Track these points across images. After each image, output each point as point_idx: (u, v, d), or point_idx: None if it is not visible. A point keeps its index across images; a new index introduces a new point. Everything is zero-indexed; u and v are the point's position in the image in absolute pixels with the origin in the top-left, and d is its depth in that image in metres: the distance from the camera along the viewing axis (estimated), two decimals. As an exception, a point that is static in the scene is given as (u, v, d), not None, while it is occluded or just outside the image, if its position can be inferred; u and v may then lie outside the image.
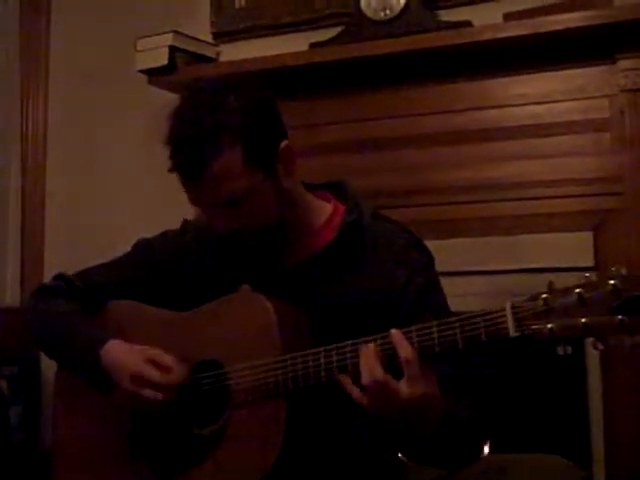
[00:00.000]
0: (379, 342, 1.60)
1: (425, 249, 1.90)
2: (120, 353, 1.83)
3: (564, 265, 2.69)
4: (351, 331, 1.66)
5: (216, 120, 1.72)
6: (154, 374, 1.78)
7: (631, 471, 2.74)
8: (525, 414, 2.87)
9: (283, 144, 1.81)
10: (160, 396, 1.77)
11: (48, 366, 3.42)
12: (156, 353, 1.81)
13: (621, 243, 2.79)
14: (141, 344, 1.85)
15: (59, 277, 2.05)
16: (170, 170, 1.76)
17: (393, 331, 1.58)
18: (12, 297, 3.86)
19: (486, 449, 2.72)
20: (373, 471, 1.85)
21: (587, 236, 2.85)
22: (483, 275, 2.96)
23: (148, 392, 1.77)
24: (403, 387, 1.55)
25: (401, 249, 1.85)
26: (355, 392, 1.59)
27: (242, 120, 1.74)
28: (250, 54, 3.19)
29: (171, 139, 1.77)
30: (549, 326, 1.42)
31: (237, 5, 3.47)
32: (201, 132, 1.72)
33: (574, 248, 2.83)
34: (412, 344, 1.56)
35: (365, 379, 1.56)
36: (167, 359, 1.80)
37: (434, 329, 1.56)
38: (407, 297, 1.80)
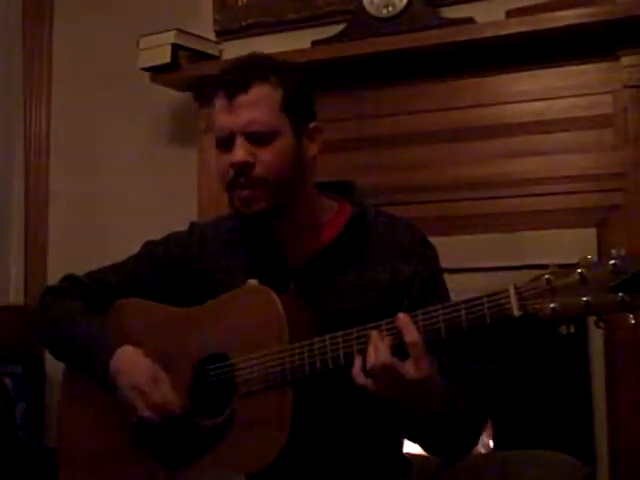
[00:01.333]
0: (385, 327, 1.62)
1: (430, 244, 1.92)
2: (131, 361, 1.85)
3: (567, 262, 2.67)
4: (355, 324, 1.67)
5: (271, 64, 1.88)
6: (155, 394, 1.80)
7: (635, 467, 2.73)
8: (528, 410, 2.86)
9: (315, 123, 1.89)
10: (151, 416, 1.79)
11: (52, 364, 3.43)
12: (164, 377, 1.82)
13: (624, 239, 2.79)
14: (148, 340, 1.88)
15: (67, 278, 2.06)
16: (214, 92, 1.86)
17: (400, 315, 1.61)
18: (16, 296, 3.87)
19: (491, 444, 2.74)
20: (378, 465, 1.85)
21: (590, 232, 2.84)
22: (485, 272, 2.95)
23: (143, 409, 1.80)
24: (409, 368, 1.57)
25: (407, 244, 1.86)
26: (360, 377, 1.61)
27: (291, 76, 1.88)
28: (253, 51, 3.19)
29: (225, 68, 1.91)
30: (551, 305, 1.44)
31: (240, 3, 3.47)
32: (255, 65, 1.87)
33: (577, 244, 2.83)
34: (418, 327, 1.59)
35: (371, 361, 1.58)
36: (169, 389, 1.81)
37: (439, 312, 1.59)
38: (412, 288, 1.82)
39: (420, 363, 1.57)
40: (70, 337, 1.93)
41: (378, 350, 1.59)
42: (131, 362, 1.84)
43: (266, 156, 1.80)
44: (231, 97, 1.81)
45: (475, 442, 1.85)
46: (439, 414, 1.66)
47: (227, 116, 1.82)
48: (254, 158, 1.80)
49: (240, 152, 1.80)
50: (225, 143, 1.83)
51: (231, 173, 1.81)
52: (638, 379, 2.74)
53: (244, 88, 1.80)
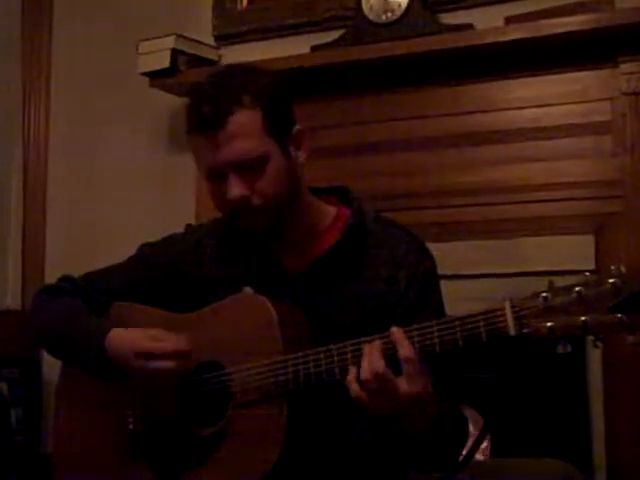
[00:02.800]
0: (379, 341, 1.60)
1: (428, 252, 1.90)
2: (122, 338, 1.82)
3: (565, 268, 2.67)
4: (352, 334, 1.66)
5: (240, 82, 1.77)
6: (159, 345, 1.76)
7: (632, 476, 2.73)
8: (526, 418, 2.86)
9: (297, 127, 1.84)
10: (171, 364, 1.75)
11: (49, 368, 3.44)
12: (157, 331, 1.80)
13: (622, 246, 2.79)
14: None
15: (64, 279, 2.05)
16: (189, 129, 1.79)
17: (394, 329, 1.60)
18: (13, 299, 3.87)
19: (488, 452, 2.74)
20: (375, 473, 1.84)
21: (588, 239, 2.84)
22: (484, 278, 2.95)
23: (157, 364, 1.75)
24: (402, 384, 1.56)
25: (404, 253, 1.84)
26: (355, 387, 1.59)
27: (265, 88, 1.78)
28: (252, 57, 3.17)
29: (193, 99, 1.80)
30: (549, 324, 1.43)
31: (239, 8, 3.48)
32: (224, 90, 1.76)
33: (575, 251, 2.83)
34: (412, 343, 1.58)
35: (365, 372, 1.57)
36: (167, 334, 1.79)
37: (434, 328, 1.57)
38: (407, 298, 1.81)
39: (413, 379, 1.56)
40: (70, 332, 1.91)
41: (372, 361, 1.57)
42: (126, 333, 1.82)
43: (262, 185, 1.75)
44: (209, 136, 1.74)
45: (457, 459, 1.84)
46: (428, 431, 1.65)
47: (210, 154, 1.75)
48: (250, 190, 1.75)
49: (235, 190, 1.74)
50: (216, 176, 1.78)
51: (229, 208, 1.79)
52: (636, 389, 2.73)
53: (220, 124, 1.72)
